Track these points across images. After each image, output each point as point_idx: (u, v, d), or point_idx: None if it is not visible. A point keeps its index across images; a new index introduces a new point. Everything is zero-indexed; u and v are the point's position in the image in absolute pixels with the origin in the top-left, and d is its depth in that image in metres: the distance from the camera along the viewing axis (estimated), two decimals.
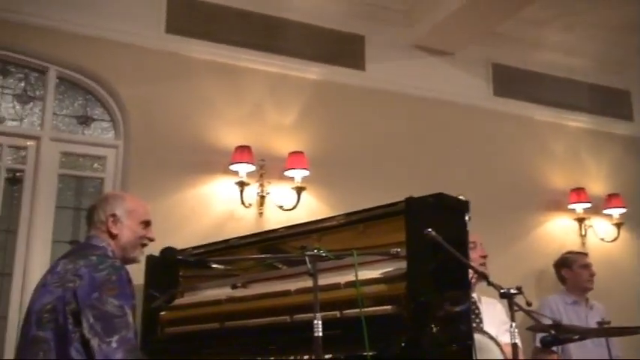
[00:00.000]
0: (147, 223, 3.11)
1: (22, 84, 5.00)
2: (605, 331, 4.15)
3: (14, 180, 4.84)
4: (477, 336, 3.47)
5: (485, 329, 3.89)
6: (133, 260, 3.10)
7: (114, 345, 2.63)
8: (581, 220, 6.41)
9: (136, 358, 2.68)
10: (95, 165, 5.08)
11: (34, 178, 4.82)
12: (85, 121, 5.11)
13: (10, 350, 4.35)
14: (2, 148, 4.82)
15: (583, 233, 6.41)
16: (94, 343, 2.62)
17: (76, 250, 3.10)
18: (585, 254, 5.69)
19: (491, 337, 3.67)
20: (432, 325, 2.90)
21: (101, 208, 3.05)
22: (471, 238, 3.85)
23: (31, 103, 4.99)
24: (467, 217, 3.78)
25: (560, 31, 6.60)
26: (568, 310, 5.29)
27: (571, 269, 5.51)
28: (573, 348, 4.99)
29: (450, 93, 6.25)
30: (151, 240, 3.13)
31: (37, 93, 5.01)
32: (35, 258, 4.67)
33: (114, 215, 3.02)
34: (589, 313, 5.33)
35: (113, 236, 3.00)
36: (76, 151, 5.03)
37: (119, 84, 5.10)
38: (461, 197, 3.61)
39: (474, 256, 4.05)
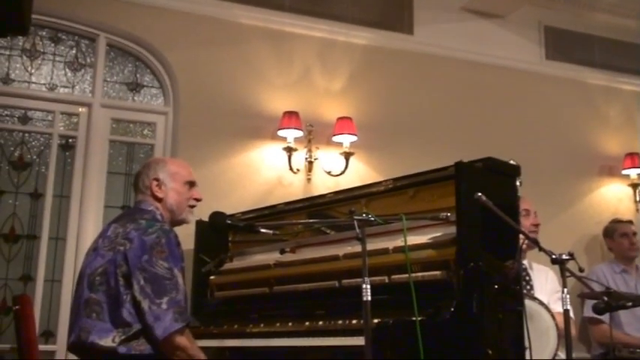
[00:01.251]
0: (191, 184, 3.13)
1: (73, 51, 5.06)
2: None
3: (67, 146, 4.92)
4: (527, 302, 3.44)
5: (536, 296, 3.86)
6: (183, 221, 3.14)
7: (164, 306, 2.68)
8: (635, 186, 6.26)
9: (185, 320, 2.72)
10: (145, 131, 5.14)
11: (86, 144, 4.89)
12: (134, 87, 5.16)
13: (65, 313, 4.46)
14: (55, 115, 4.90)
15: (637, 199, 6.26)
16: (145, 304, 2.67)
17: (126, 214, 3.15)
18: (628, 222, 5.56)
19: (542, 304, 3.63)
20: (482, 291, 2.88)
21: (145, 173, 3.09)
22: (524, 205, 3.83)
23: (82, 70, 5.05)
24: (518, 182, 3.74)
25: None
26: (616, 278, 5.21)
27: (612, 238, 5.44)
28: (624, 318, 4.91)
29: (501, 57, 6.13)
30: (198, 200, 3.16)
31: (88, 60, 5.06)
32: (88, 223, 4.76)
33: (157, 179, 3.05)
34: (639, 281, 5.24)
35: (159, 199, 3.04)
36: (126, 118, 5.09)
37: (168, 50, 5.12)
38: (511, 162, 3.57)
39: (525, 223, 3.99)
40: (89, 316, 2.76)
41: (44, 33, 5.00)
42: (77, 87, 5.02)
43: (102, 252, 2.84)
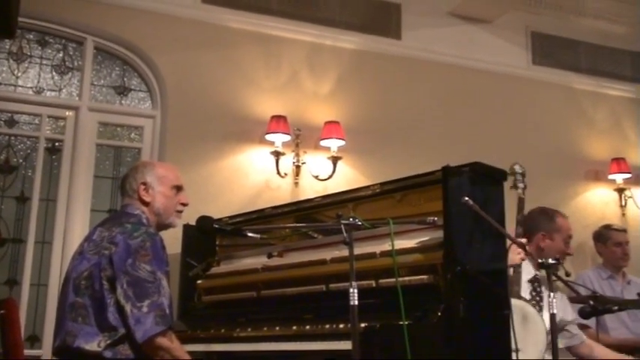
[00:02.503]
0: (178, 188, 3.13)
1: (61, 54, 5.04)
2: None
3: (53, 150, 4.90)
4: (522, 304, 3.45)
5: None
6: (169, 226, 3.13)
7: (144, 309, 2.67)
8: (621, 191, 6.31)
9: (167, 324, 2.70)
10: (132, 135, 5.12)
11: (73, 147, 4.88)
12: (122, 91, 5.15)
13: (51, 317, 4.43)
14: (42, 119, 4.88)
15: (623, 204, 6.31)
16: (127, 308, 2.66)
17: (112, 218, 3.13)
18: (623, 231, 5.50)
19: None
20: (469, 295, 2.89)
21: (132, 176, 3.08)
22: (570, 230, 3.89)
23: (70, 74, 5.04)
24: (522, 185, 3.78)
25: None
26: (603, 284, 5.19)
27: (605, 245, 5.40)
28: (610, 323, 4.93)
29: (488, 62, 6.16)
30: (185, 205, 3.15)
31: (75, 63, 5.05)
32: (74, 227, 4.74)
33: (145, 183, 3.04)
34: (625, 287, 5.24)
35: (146, 203, 3.03)
36: (113, 121, 5.08)
37: (156, 54, 5.11)
38: (516, 166, 3.62)
39: (566, 250, 4.00)
40: (75, 320, 2.74)
41: (31, 36, 4.99)
42: (64, 90, 5.00)
43: (87, 256, 2.83)
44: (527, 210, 4.04)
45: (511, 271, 3.63)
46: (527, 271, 3.78)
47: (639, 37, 6.84)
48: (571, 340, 3.89)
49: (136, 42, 5.09)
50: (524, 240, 3.74)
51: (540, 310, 3.76)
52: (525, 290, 3.73)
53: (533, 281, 3.79)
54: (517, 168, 4.03)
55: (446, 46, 6.02)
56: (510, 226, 3.84)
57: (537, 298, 3.85)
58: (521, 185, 4.00)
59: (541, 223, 3.98)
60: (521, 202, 3.96)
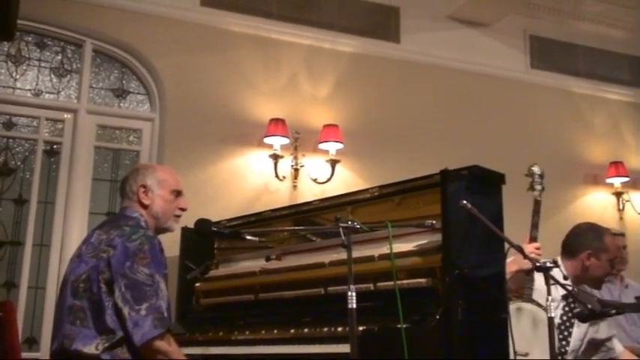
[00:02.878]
0: (178, 193, 3.12)
1: (59, 57, 5.05)
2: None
3: (52, 152, 4.90)
4: (533, 308, 3.43)
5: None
6: (167, 230, 3.12)
7: (143, 312, 2.66)
8: (619, 194, 6.32)
9: (165, 327, 2.70)
10: (131, 137, 5.13)
11: (71, 150, 4.88)
12: (120, 93, 5.15)
13: (48, 320, 4.42)
14: (40, 121, 4.88)
15: (621, 207, 6.32)
16: (125, 311, 2.66)
17: (110, 221, 3.12)
18: (620, 235, 5.49)
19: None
20: (467, 298, 2.89)
21: (132, 179, 3.07)
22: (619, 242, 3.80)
23: (68, 76, 5.04)
24: (540, 187, 3.73)
25: (598, 2, 6.48)
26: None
27: None
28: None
29: (486, 65, 6.17)
30: (183, 210, 3.14)
31: (74, 66, 5.06)
32: (72, 229, 4.74)
33: (144, 186, 3.03)
34: (623, 291, 5.22)
35: (145, 206, 3.02)
36: (112, 124, 5.08)
37: (154, 57, 5.11)
38: (535, 167, 3.59)
39: (607, 268, 3.85)
40: (73, 323, 2.74)
41: (30, 38, 4.99)
42: (62, 93, 5.00)
43: (85, 258, 2.82)
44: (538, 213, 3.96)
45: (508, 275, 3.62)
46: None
47: (637, 41, 6.86)
48: (607, 354, 3.83)
49: (134, 45, 5.09)
50: (537, 244, 3.69)
51: (571, 326, 3.68)
52: (558, 308, 3.66)
53: (567, 297, 3.67)
54: (535, 169, 3.97)
55: (444, 50, 6.03)
56: (525, 230, 3.82)
57: (570, 314, 3.72)
58: (538, 187, 3.93)
59: (589, 240, 3.80)
60: (537, 204, 3.89)
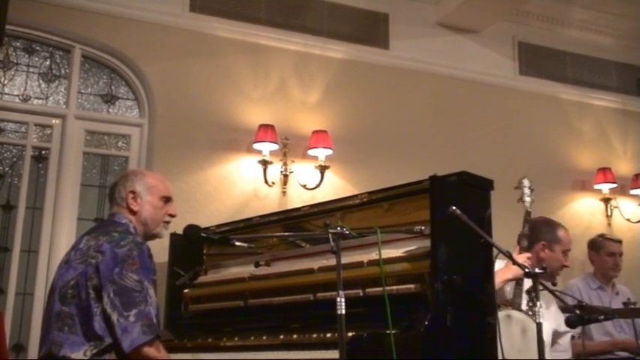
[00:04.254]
0: (167, 199, 3.11)
1: (48, 62, 5.03)
2: (630, 311, 4.11)
3: (40, 158, 4.88)
4: (521, 316, 3.44)
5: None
6: (156, 236, 3.11)
7: (132, 319, 2.65)
8: (607, 201, 6.35)
9: (154, 333, 2.69)
10: (120, 143, 5.11)
11: (60, 156, 4.86)
12: (109, 99, 5.14)
13: (36, 326, 4.41)
14: (28, 127, 4.87)
15: (609, 214, 6.35)
16: (114, 317, 2.65)
17: (99, 227, 3.11)
18: (618, 242, 5.45)
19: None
20: (456, 304, 2.89)
21: (122, 184, 3.06)
22: (570, 244, 3.89)
23: (57, 82, 5.02)
24: (529, 199, 3.80)
25: (587, 9, 6.52)
26: (592, 295, 5.15)
27: (598, 254, 5.37)
28: (595, 333, 4.93)
29: (475, 72, 6.19)
30: (172, 216, 3.13)
31: (63, 71, 5.04)
32: (61, 235, 4.72)
33: (134, 192, 3.02)
34: (614, 298, 5.22)
35: (134, 212, 3.01)
36: (100, 130, 5.07)
37: (143, 62, 5.11)
38: (524, 180, 3.64)
39: (563, 261, 3.98)
40: (61, 329, 2.72)
41: (18, 44, 4.98)
42: (51, 98, 4.99)
43: (74, 264, 2.81)
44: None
45: (506, 284, 3.64)
46: (527, 281, 3.75)
47: (625, 48, 6.91)
48: (559, 355, 3.88)
49: (123, 50, 5.09)
50: (528, 254, 3.73)
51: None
52: (523, 300, 3.73)
53: (530, 291, 3.78)
54: (525, 182, 4.06)
55: (433, 56, 6.05)
56: (514, 240, 3.87)
57: (535, 309, 3.81)
58: (528, 199, 4.01)
59: (543, 233, 3.98)
60: (527, 215, 3.97)
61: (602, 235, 5.47)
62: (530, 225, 3.96)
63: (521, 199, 4.00)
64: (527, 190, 4.02)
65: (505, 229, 3.68)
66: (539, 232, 3.97)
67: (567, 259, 4.02)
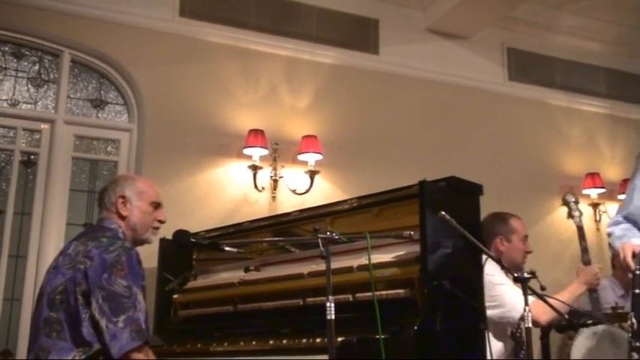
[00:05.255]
0: (157, 205, 3.11)
1: (36, 67, 5.01)
2: (618, 316, 4.12)
3: (28, 163, 4.86)
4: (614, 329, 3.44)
5: None
6: (145, 241, 3.10)
7: (120, 325, 2.64)
8: (595, 206, 6.37)
9: (143, 339, 2.68)
10: (109, 148, 5.10)
11: (49, 161, 4.84)
12: (98, 104, 5.12)
13: (24, 332, 4.38)
14: (17, 131, 4.85)
15: (598, 219, 6.37)
16: (102, 323, 2.64)
17: (88, 232, 3.11)
18: None
19: None
20: (445, 309, 2.90)
21: (111, 189, 3.05)
22: (525, 230, 3.88)
23: (45, 87, 5.01)
24: (578, 214, 3.81)
25: (575, 15, 6.55)
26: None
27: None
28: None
29: (464, 77, 6.21)
30: (162, 222, 3.13)
31: (51, 76, 5.02)
32: (49, 241, 4.69)
33: (123, 197, 3.02)
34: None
35: (123, 217, 3.01)
36: (89, 135, 5.05)
37: (133, 67, 5.10)
38: (568, 196, 3.69)
39: (524, 249, 3.95)
40: (49, 335, 2.71)
41: (7, 48, 4.96)
42: (40, 103, 4.97)
43: (62, 270, 2.80)
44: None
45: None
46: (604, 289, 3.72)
47: (613, 54, 6.95)
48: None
49: (113, 55, 5.07)
50: (596, 268, 3.74)
51: None
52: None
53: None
54: (569, 197, 4.05)
55: (423, 62, 6.07)
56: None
57: None
58: (576, 214, 3.99)
59: (496, 227, 3.94)
60: (580, 230, 3.96)
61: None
62: (482, 223, 3.92)
63: (570, 216, 3.99)
64: (573, 205, 4.02)
65: None
66: (493, 227, 3.93)
67: (527, 245, 3.97)
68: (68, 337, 2.69)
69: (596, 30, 6.75)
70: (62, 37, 4.99)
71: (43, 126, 4.92)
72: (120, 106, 5.16)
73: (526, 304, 2.80)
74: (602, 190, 6.30)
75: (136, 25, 5.12)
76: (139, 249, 2.93)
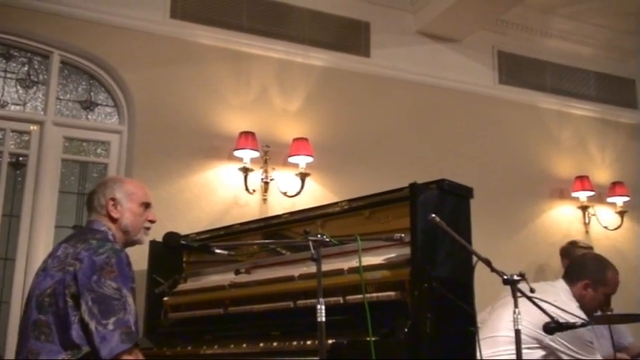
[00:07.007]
0: (147, 205, 3.10)
1: (26, 68, 4.99)
2: (607, 318, 4.13)
3: (17, 165, 4.84)
4: None
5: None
6: (136, 242, 3.09)
7: (110, 327, 2.62)
8: (584, 209, 6.40)
9: (132, 341, 2.67)
10: (99, 150, 5.08)
11: (38, 163, 4.82)
12: (88, 106, 5.10)
13: (13, 335, 4.36)
14: (5, 133, 4.82)
15: (587, 221, 6.40)
16: (92, 325, 2.62)
17: (77, 234, 3.09)
18: (589, 248, 5.44)
19: None
20: (436, 311, 2.90)
21: (101, 192, 3.04)
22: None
23: (35, 88, 4.98)
24: None
25: (566, 19, 6.59)
26: None
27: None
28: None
29: (455, 80, 6.23)
30: (152, 222, 3.12)
31: (41, 77, 5.00)
32: (38, 243, 4.67)
33: (113, 199, 3.00)
34: None
35: (114, 220, 2.99)
36: (79, 136, 5.03)
37: (123, 69, 5.08)
38: None
39: (601, 301, 3.77)
40: (37, 338, 2.69)
41: None
42: (29, 104, 4.95)
43: (51, 272, 2.78)
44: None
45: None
46: None
47: (604, 58, 6.99)
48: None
49: (103, 57, 5.05)
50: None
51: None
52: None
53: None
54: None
55: (414, 65, 6.08)
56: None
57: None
58: None
59: (590, 270, 3.72)
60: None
61: (572, 243, 5.41)
62: (580, 258, 3.80)
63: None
64: None
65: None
66: (586, 268, 3.74)
67: (609, 303, 3.82)
68: (57, 339, 2.68)
69: (586, 34, 6.79)
70: (52, 38, 4.97)
71: (32, 127, 4.89)
72: (110, 108, 5.15)
73: (516, 306, 2.80)
74: (592, 193, 6.33)
75: (127, 27, 5.11)
76: (129, 251, 2.92)
